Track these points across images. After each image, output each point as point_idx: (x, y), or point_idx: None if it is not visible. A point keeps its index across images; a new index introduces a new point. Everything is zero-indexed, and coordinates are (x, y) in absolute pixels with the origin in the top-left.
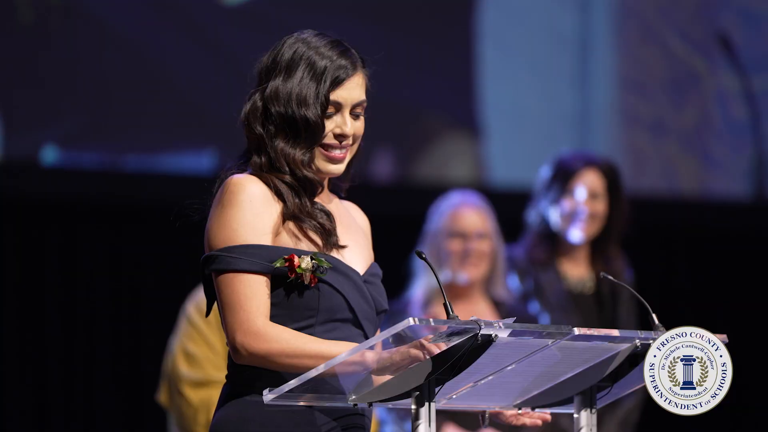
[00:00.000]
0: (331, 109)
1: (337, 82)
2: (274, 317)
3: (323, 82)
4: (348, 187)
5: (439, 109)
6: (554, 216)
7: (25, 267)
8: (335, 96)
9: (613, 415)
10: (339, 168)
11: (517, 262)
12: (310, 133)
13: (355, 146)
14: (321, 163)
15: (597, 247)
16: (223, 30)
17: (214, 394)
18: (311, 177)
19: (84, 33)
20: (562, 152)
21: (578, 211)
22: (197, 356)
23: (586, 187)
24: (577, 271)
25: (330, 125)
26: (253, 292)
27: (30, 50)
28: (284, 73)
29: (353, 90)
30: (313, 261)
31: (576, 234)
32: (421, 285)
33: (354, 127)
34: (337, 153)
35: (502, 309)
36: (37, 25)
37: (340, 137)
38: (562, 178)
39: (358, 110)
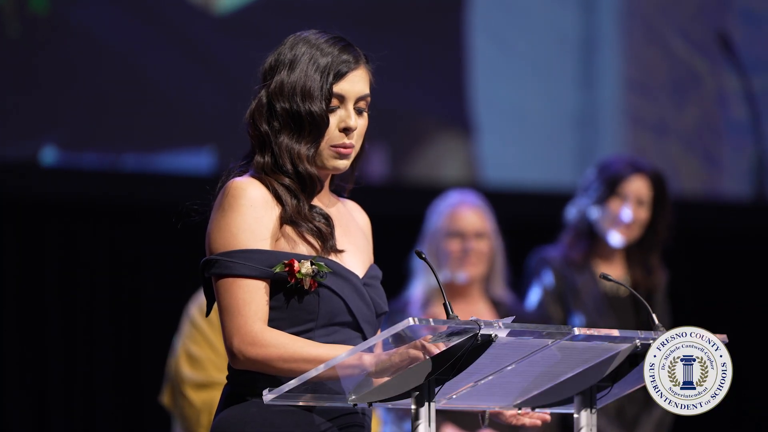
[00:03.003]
0: (335, 102)
1: (339, 75)
2: (274, 321)
3: (327, 75)
4: (351, 188)
5: (433, 108)
6: (595, 215)
7: (25, 267)
8: (338, 89)
9: (650, 417)
10: (345, 163)
11: (552, 262)
12: (314, 128)
13: (359, 144)
14: (328, 160)
15: (635, 251)
16: (214, 37)
17: (217, 396)
18: (313, 173)
19: (74, 43)
20: (610, 156)
21: (622, 214)
22: (200, 358)
23: (633, 193)
24: (612, 274)
25: (334, 120)
26: (251, 297)
27: (23, 56)
28: (288, 70)
29: (356, 83)
30: (313, 266)
31: (616, 237)
32: (420, 285)
33: (358, 122)
34: (343, 149)
35: (501, 309)
36: (24, 37)
37: (346, 130)
38: (610, 182)
39: (362, 105)
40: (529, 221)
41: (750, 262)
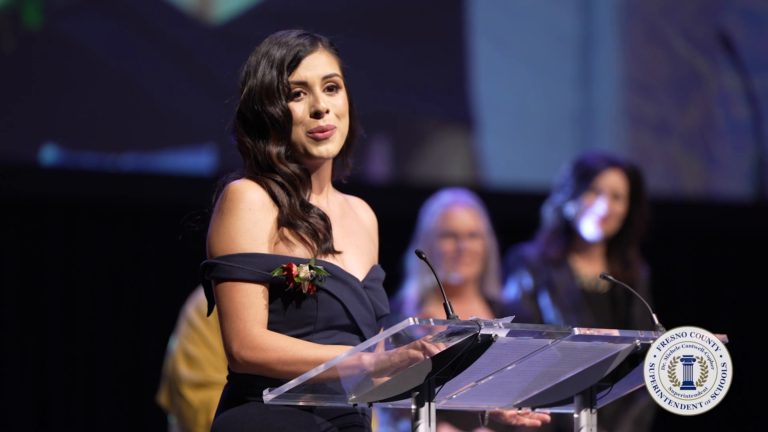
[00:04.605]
0: (298, 88)
1: (295, 62)
2: (273, 324)
3: (282, 67)
4: (348, 175)
5: (435, 108)
6: (571, 211)
7: (25, 267)
8: (297, 76)
9: (628, 414)
10: (328, 148)
11: (529, 260)
12: (278, 127)
13: (344, 124)
14: (310, 148)
15: (613, 246)
16: (209, 46)
17: (214, 395)
18: (294, 171)
19: (69, 55)
20: (585, 152)
21: (597, 208)
22: (197, 358)
23: (607, 187)
24: (591, 269)
25: (303, 107)
26: (250, 301)
27: (20, 69)
28: (252, 77)
29: (316, 67)
30: (312, 270)
31: (590, 229)
32: (415, 284)
33: (330, 102)
34: (320, 133)
35: (495, 308)
36: (19, 52)
37: (316, 115)
38: (585, 177)
39: (330, 83)
40: (531, 220)
41: (750, 262)
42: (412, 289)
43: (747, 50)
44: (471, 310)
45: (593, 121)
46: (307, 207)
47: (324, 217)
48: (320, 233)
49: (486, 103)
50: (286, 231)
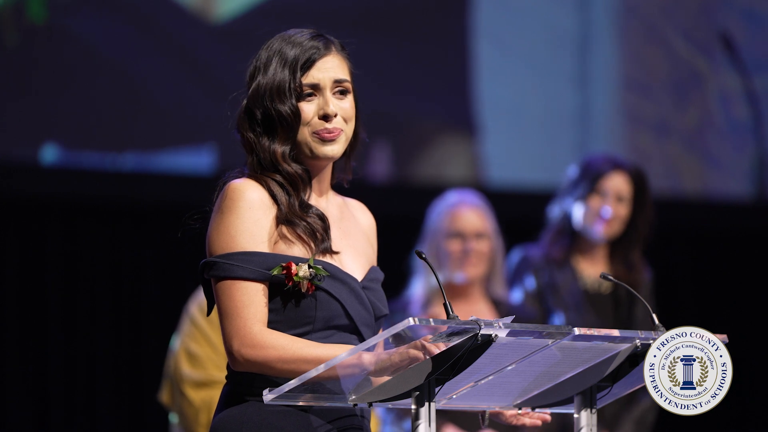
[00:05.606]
0: (308, 90)
1: (309, 64)
2: (272, 323)
3: (295, 67)
4: (350, 179)
5: (436, 109)
6: (578, 213)
7: (25, 267)
8: (309, 78)
9: (629, 414)
10: (334, 149)
11: (533, 261)
12: (286, 125)
13: (350, 128)
14: (315, 147)
15: (617, 248)
16: (212, 44)
17: (216, 394)
18: (297, 170)
19: (72, 51)
20: (590, 154)
21: (602, 210)
22: (199, 356)
23: (612, 190)
24: (594, 270)
25: (312, 108)
26: (250, 300)
27: (23, 64)
28: (262, 73)
29: (329, 70)
30: (311, 269)
31: (596, 233)
32: (421, 284)
33: (339, 106)
34: (326, 133)
35: (501, 308)
36: (23, 46)
37: (325, 117)
38: (590, 179)
39: (340, 87)
40: (531, 220)
41: (750, 262)
42: (418, 289)
43: (747, 50)
44: (477, 310)
45: (593, 121)
46: (305, 207)
47: (322, 217)
48: (318, 233)
49: (485, 103)
50: (284, 229)
